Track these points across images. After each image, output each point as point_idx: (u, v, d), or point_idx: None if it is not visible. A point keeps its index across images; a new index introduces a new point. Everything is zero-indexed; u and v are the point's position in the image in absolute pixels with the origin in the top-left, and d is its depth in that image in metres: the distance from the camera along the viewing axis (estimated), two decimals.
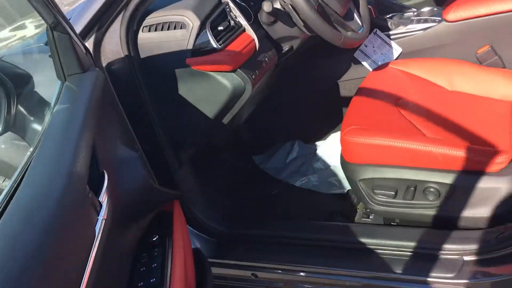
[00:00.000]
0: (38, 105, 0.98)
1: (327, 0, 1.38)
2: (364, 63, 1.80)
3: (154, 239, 0.98)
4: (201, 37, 1.25)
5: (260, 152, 2.06)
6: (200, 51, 1.26)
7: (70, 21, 1.01)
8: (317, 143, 1.97)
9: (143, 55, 1.30)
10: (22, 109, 0.96)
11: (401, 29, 1.75)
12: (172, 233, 1.03)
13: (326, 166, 1.84)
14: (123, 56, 1.25)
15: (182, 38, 1.25)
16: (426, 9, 1.81)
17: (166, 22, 1.27)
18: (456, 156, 1.22)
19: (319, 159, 1.88)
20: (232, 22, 1.33)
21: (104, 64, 1.25)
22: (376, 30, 1.77)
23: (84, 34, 1.22)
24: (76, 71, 0.98)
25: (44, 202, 0.64)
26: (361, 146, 1.36)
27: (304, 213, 1.69)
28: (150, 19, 1.28)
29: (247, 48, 1.32)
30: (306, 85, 1.93)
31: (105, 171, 0.80)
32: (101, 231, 0.71)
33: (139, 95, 1.30)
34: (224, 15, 1.33)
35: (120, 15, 1.24)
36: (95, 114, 0.87)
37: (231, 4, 1.34)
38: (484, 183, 1.21)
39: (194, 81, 1.31)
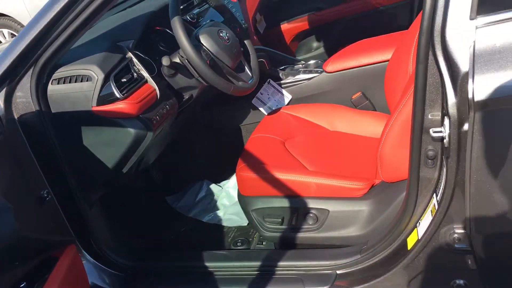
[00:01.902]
0: None
1: (219, 55, 1.61)
2: (261, 108, 2.04)
3: (21, 285, 1.08)
4: (105, 88, 1.40)
5: (172, 192, 2.20)
6: (105, 100, 1.41)
7: None
8: (223, 182, 2.15)
9: (52, 105, 1.42)
10: None
11: (290, 79, 2.02)
12: (46, 280, 1.13)
13: (231, 202, 2.02)
14: (34, 110, 1.37)
15: (88, 89, 1.40)
16: (312, 61, 2.10)
17: (74, 76, 1.41)
18: (329, 185, 1.46)
19: (224, 196, 2.06)
20: (135, 75, 1.51)
21: (16, 116, 1.35)
22: (269, 80, 2.02)
23: None
24: None
25: None
26: (251, 180, 1.56)
27: (210, 245, 1.84)
28: (59, 73, 1.42)
29: (148, 97, 1.49)
30: (212, 129, 2.13)
31: None
32: None
33: (50, 144, 1.40)
34: (128, 68, 1.50)
35: (31, 70, 1.36)
36: None
37: (134, 59, 1.52)
38: (351, 207, 1.44)
39: (99, 127, 1.45)
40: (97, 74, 1.40)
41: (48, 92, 1.42)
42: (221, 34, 1.65)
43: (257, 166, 1.57)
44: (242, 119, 2.10)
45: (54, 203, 1.41)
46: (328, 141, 1.76)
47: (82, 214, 1.51)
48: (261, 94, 2.03)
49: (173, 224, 2.02)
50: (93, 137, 1.47)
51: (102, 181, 1.56)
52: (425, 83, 1.05)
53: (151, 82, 1.53)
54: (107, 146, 1.49)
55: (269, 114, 1.93)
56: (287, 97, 2.02)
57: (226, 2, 2.23)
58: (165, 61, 1.52)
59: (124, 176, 1.58)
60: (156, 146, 1.71)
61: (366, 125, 1.81)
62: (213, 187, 2.15)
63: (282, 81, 2.03)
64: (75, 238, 1.44)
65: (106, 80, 1.41)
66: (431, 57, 1.02)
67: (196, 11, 1.92)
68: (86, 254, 1.54)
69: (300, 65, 2.10)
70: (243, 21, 2.27)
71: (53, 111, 1.42)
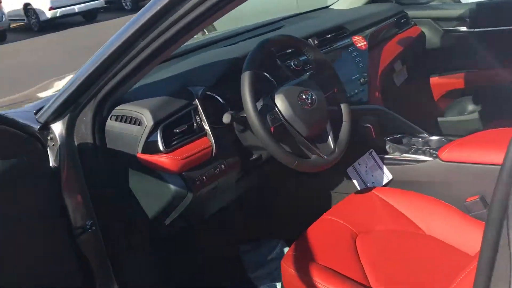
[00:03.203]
0: None
1: (292, 121, 1.37)
2: (354, 181, 1.73)
3: None
4: (153, 137, 1.30)
5: (245, 241, 2.03)
6: (149, 149, 1.30)
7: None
8: None
9: (108, 140, 1.37)
10: None
11: (397, 155, 1.66)
12: None
13: None
14: (90, 142, 1.34)
15: (137, 134, 1.31)
16: (435, 138, 1.70)
17: (129, 116, 1.34)
18: None
19: None
20: (195, 125, 1.36)
21: (76, 143, 1.34)
22: (371, 151, 1.70)
23: (61, 112, 1.33)
24: None
25: None
26: (294, 278, 1.30)
27: None
28: (118, 110, 1.36)
29: (199, 153, 1.34)
30: (296, 189, 1.89)
31: None
32: None
33: (101, 177, 1.37)
34: (190, 117, 1.37)
35: (92, 101, 1.33)
36: None
37: (200, 108, 1.38)
38: None
39: (142, 175, 1.35)
40: (147, 121, 1.30)
41: (107, 127, 1.37)
42: (303, 96, 1.40)
43: (306, 265, 1.30)
44: (331, 185, 1.81)
45: (96, 234, 1.37)
46: (416, 247, 1.38)
47: (118, 254, 1.44)
48: (359, 164, 1.72)
49: (229, 280, 1.85)
50: (137, 182, 1.39)
51: (142, 227, 1.46)
52: None
53: (210, 137, 1.36)
54: (147, 196, 1.39)
55: (357, 192, 1.61)
56: (387, 176, 1.67)
57: (350, 50, 1.96)
58: (225, 118, 1.34)
59: (169, 227, 1.46)
60: (212, 202, 1.55)
61: (474, 241, 1.37)
62: (286, 251, 1.91)
63: (386, 156, 1.68)
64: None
65: (155, 128, 1.30)
66: None
67: (303, 57, 1.69)
68: None
69: (420, 139, 1.72)
70: (365, 74, 1.96)
71: (108, 146, 1.37)
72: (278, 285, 1.76)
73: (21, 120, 1.29)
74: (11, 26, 13.40)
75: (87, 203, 1.35)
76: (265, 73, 1.55)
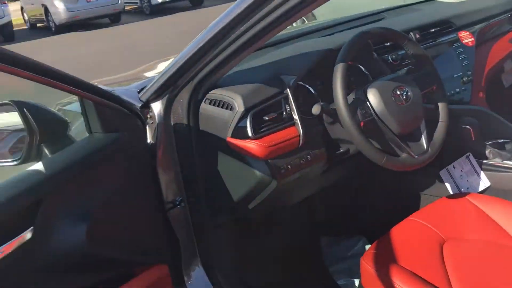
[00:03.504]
0: (58, 145, 1.20)
1: (384, 117, 1.33)
2: (447, 184, 1.64)
3: None
4: (242, 122, 1.33)
5: (326, 233, 2.01)
6: (239, 134, 1.34)
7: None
8: None
9: (201, 123, 1.43)
10: (43, 147, 1.20)
11: (497, 161, 1.54)
12: None
13: None
14: (185, 123, 1.41)
15: (228, 119, 1.35)
16: None
17: (222, 101, 1.38)
18: None
19: None
20: (284, 114, 1.38)
21: (172, 123, 1.41)
22: (469, 154, 1.59)
23: (160, 92, 1.41)
24: (99, 130, 1.17)
25: None
26: (372, 277, 1.27)
27: None
28: (212, 94, 1.41)
29: (287, 142, 1.35)
30: (382, 187, 1.83)
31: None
32: None
33: (192, 156, 1.44)
34: (280, 105, 1.38)
35: (189, 84, 1.40)
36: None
37: (291, 98, 1.38)
38: None
39: (231, 158, 1.39)
40: (238, 106, 1.33)
41: (201, 110, 1.43)
42: (397, 92, 1.35)
43: (387, 265, 1.27)
44: (421, 187, 1.73)
45: (184, 210, 1.44)
46: (510, 262, 1.29)
47: (204, 231, 1.51)
48: (454, 167, 1.62)
49: (307, 271, 1.86)
50: (224, 165, 1.43)
51: (227, 208, 1.51)
52: None
53: (299, 126, 1.37)
54: (233, 179, 1.43)
55: (450, 196, 1.53)
56: (484, 183, 1.56)
57: (455, 46, 1.85)
58: (315, 109, 1.33)
59: (252, 211, 1.50)
60: (296, 191, 1.56)
61: None
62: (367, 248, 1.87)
63: (485, 161, 1.57)
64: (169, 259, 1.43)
65: (245, 114, 1.33)
66: None
67: (402, 52, 1.63)
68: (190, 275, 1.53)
69: None
70: (469, 72, 1.83)
71: (200, 127, 1.43)
72: (356, 281, 1.74)
73: (125, 98, 1.38)
74: (126, 8, 14.34)
75: (178, 180, 1.42)
76: (359, 65, 1.52)
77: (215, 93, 1.40)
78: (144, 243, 1.31)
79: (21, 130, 1.17)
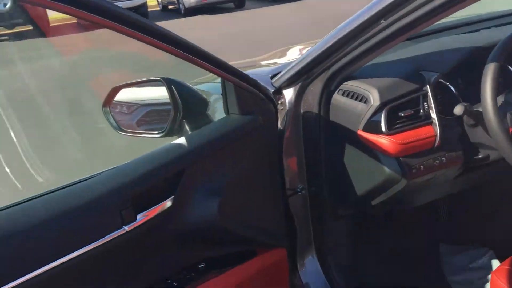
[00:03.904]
0: (198, 123, 1.27)
1: None
2: None
3: (200, 266, 1.15)
4: (376, 116, 1.29)
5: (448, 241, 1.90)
6: (371, 128, 1.31)
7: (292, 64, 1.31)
8: None
9: (332, 113, 1.42)
10: (185, 123, 1.27)
11: None
12: (225, 270, 1.17)
13: None
14: (314, 112, 1.41)
15: (361, 112, 1.32)
16: None
17: (356, 93, 1.35)
18: None
19: None
20: (421, 112, 1.31)
21: (302, 111, 1.43)
22: None
23: (294, 80, 1.42)
24: (235, 112, 1.22)
25: None
26: None
27: None
28: (346, 85, 1.39)
29: (422, 141, 1.29)
30: None
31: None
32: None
33: (318, 146, 1.44)
34: (417, 102, 1.32)
35: (323, 74, 1.39)
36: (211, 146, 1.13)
37: (430, 95, 1.32)
38: None
39: (358, 152, 1.37)
40: (374, 100, 1.30)
41: (332, 100, 1.42)
42: None
43: None
44: None
45: (304, 198, 1.46)
46: None
47: (321, 221, 1.51)
48: None
49: (424, 278, 1.77)
50: (352, 158, 1.41)
51: (349, 201, 1.49)
52: None
53: (436, 126, 1.30)
54: (360, 173, 1.41)
55: None
56: None
57: None
58: (457, 109, 1.25)
59: (374, 207, 1.46)
60: (423, 192, 1.49)
61: None
62: (495, 263, 1.73)
63: None
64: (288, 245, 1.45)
65: (381, 108, 1.29)
66: None
67: None
68: (305, 261, 1.54)
69: None
70: None
71: (330, 118, 1.43)
72: None
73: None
74: None
75: (302, 168, 1.43)
76: (510, 66, 1.39)
77: (350, 85, 1.38)
78: (267, 224, 1.35)
79: (167, 105, 1.25)
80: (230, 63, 1.93)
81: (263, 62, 1.98)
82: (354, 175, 1.42)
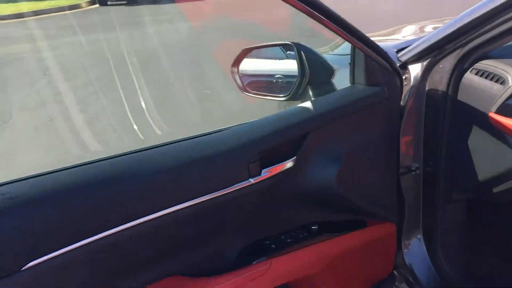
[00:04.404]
0: (322, 90, 1.28)
1: None
2: None
3: (313, 227, 1.17)
4: None
5: None
6: (506, 111, 1.23)
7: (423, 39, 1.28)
8: None
9: (461, 92, 1.36)
10: (309, 89, 1.28)
11: None
12: (336, 235, 1.18)
13: None
14: (441, 90, 1.36)
15: (496, 93, 1.25)
16: None
17: (492, 73, 1.28)
18: None
19: None
20: None
21: (427, 88, 1.38)
22: None
23: (422, 55, 1.38)
24: (362, 82, 1.21)
25: None
26: None
27: None
28: (481, 64, 1.32)
29: None
30: None
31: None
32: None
33: (440, 126, 1.40)
34: None
35: (457, 51, 1.33)
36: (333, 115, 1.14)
37: None
38: None
39: (486, 135, 1.30)
40: None
41: (463, 79, 1.36)
42: None
43: None
44: None
45: (417, 178, 1.43)
46: None
47: (434, 203, 1.47)
48: None
49: None
50: (478, 141, 1.35)
51: (467, 185, 1.43)
52: None
53: None
54: (485, 157, 1.34)
55: None
56: None
57: None
58: None
59: (495, 195, 1.39)
60: None
61: None
62: None
63: None
64: (397, 221, 1.43)
65: None
66: None
67: None
68: (413, 240, 1.51)
69: None
70: None
71: (458, 97, 1.37)
72: None
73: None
74: None
75: (419, 147, 1.40)
76: None
77: (486, 64, 1.30)
78: (381, 198, 1.34)
79: (292, 70, 1.29)
80: None
81: (378, 38, 1.93)
82: (478, 159, 1.35)
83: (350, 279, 1.30)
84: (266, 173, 1.04)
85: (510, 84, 1.22)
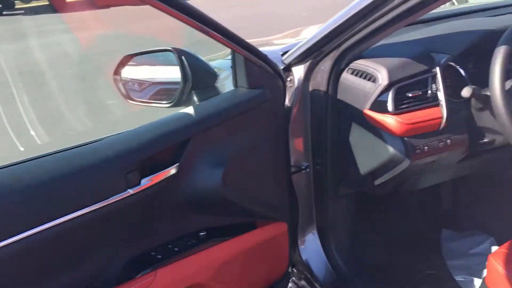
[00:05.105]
0: (206, 94, 1.28)
1: None
2: None
3: (201, 233, 1.17)
4: (383, 96, 1.30)
5: (453, 227, 1.91)
6: (378, 107, 1.31)
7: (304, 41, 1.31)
8: None
9: (340, 91, 1.43)
10: (193, 94, 1.28)
11: None
12: (225, 239, 1.19)
13: None
14: (323, 90, 1.42)
15: (369, 91, 1.33)
16: None
17: (365, 72, 1.36)
18: None
19: None
20: (429, 93, 1.32)
21: (310, 89, 1.43)
22: None
23: (304, 57, 1.43)
24: (244, 85, 1.23)
25: None
26: (500, 277, 1.19)
27: None
28: (355, 64, 1.39)
29: (428, 122, 1.30)
30: None
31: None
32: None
33: (325, 124, 1.45)
34: (426, 84, 1.33)
35: (333, 52, 1.40)
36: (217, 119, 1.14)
37: (439, 77, 1.32)
38: None
39: (363, 131, 1.38)
40: (382, 79, 1.30)
41: (341, 79, 1.42)
42: None
43: None
44: None
45: (308, 176, 1.48)
46: None
47: (324, 199, 1.53)
48: None
49: (423, 262, 1.79)
50: (357, 137, 1.42)
51: (352, 180, 1.51)
52: None
53: (443, 108, 1.30)
54: (364, 152, 1.42)
55: None
56: None
57: None
58: (465, 92, 1.26)
59: (377, 187, 1.48)
60: (427, 175, 1.50)
61: None
62: (494, 250, 1.74)
63: None
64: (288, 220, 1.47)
65: (388, 87, 1.30)
66: None
67: None
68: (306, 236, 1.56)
69: None
70: None
71: (338, 97, 1.43)
72: (476, 280, 1.64)
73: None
74: None
75: (308, 146, 1.45)
76: None
77: (359, 64, 1.38)
78: (269, 198, 1.36)
79: (176, 76, 1.27)
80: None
81: (276, 41, 1.98)
82: (359, 154, 1.43)
83: (243, 282, 1.30)
84: (147, 182, 1.00)
85: (380, 82, 1.30)
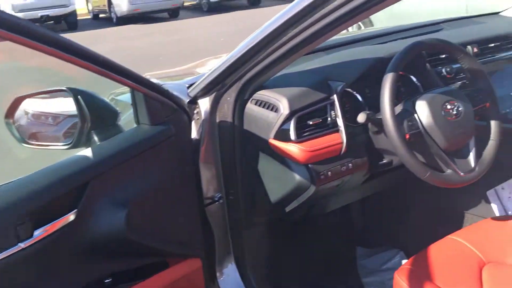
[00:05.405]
0: (107, 134, 1.24)
1: (431, 131, 1.29)
2: (493, 205, 1.58)
3: (106, 281, 1.13)
4: (286, 125, 1.33)
5: (363, 244, 1.99)
6: (281, 136, 1.34)
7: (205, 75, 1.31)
8: None
9: (245, 122, 1.45)
10: (94, 134, 1.24)
11: None
12: (134, 283, 1.15)
13: None
14: (229, 121, 1.43)
15: (272, 120, 1.36)
16: None
17: (267, 102, 1.39)
18: None
19: None
20: (329, 120, 1.37)
21: (218, 120, 1.44)
22: None
23: (208, 89, 1.43)
24: (146, 122, 1.21)
25: None
26: None
27: None
28: (258, 94, 1.42)
29: (329, 148, 1.34)
30: (424, 202, 1.79)
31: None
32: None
33: (233, 155, 1.46)
34: (325, 111, 1.38)
35: (236, 83, 1.41)
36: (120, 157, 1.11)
37: (337, 104, 1.37)
38: None
39: (271, 160, 1.40)
40: (283, 109, 1.34)
41: (246, 109, 1.44)
42: (448, 107, 1.31)
43: (421, 282, 1.24)
44: (466, 205, 1.68)
45: (222, 207, 1.47)
46: None
47: (239, 229, 1.52)
48: (502, 189, 1.57)
49: (340, 281, 1.84)
50: (265, 166, 1.45)
51: (264, 208, 1.52)
52: None
53: (342, 133, 1.36)
54: (273, 180, 1.44)
55: (495, 218, 1.47)
56: None
57: None
58: (360, 117, 1.32)
59: (288, 214, 1.50)
60: (334, 198, 1.55)
61: None
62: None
63: None
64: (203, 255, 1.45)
65: (290, 117, 1.33)
66: None
67: (457, 65, 1.58)
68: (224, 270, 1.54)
69: None
70: None
71: (244, 127, 1.45)
72: None
73: (174, 92, 1.41)
74: (184, 4, 14.65)
75: (219, 177, 1.45)
76: (411, 76, 1.49)
77: (262, 94, 1.41)
78: (181, 235, 1.34)
79: (74, 116, 1.22)
80: (153, 73, 1.91)
81: (184, 72, 1.98)
82: (268, 183, 1.45)
83: None
84: (41, 233, 0.95)
85: (282, 112, 1.33)
